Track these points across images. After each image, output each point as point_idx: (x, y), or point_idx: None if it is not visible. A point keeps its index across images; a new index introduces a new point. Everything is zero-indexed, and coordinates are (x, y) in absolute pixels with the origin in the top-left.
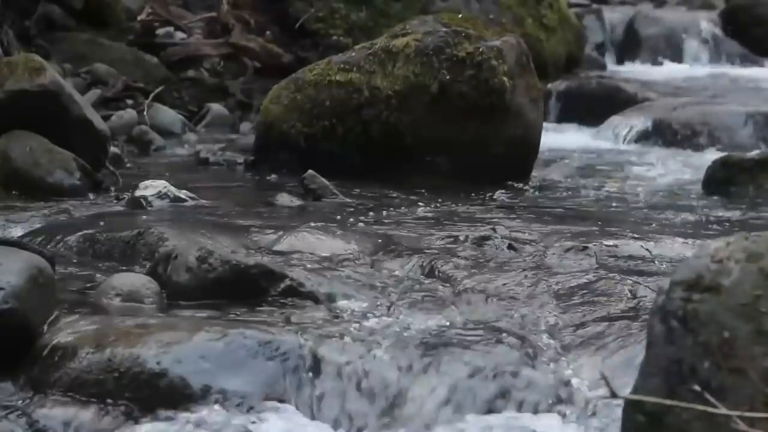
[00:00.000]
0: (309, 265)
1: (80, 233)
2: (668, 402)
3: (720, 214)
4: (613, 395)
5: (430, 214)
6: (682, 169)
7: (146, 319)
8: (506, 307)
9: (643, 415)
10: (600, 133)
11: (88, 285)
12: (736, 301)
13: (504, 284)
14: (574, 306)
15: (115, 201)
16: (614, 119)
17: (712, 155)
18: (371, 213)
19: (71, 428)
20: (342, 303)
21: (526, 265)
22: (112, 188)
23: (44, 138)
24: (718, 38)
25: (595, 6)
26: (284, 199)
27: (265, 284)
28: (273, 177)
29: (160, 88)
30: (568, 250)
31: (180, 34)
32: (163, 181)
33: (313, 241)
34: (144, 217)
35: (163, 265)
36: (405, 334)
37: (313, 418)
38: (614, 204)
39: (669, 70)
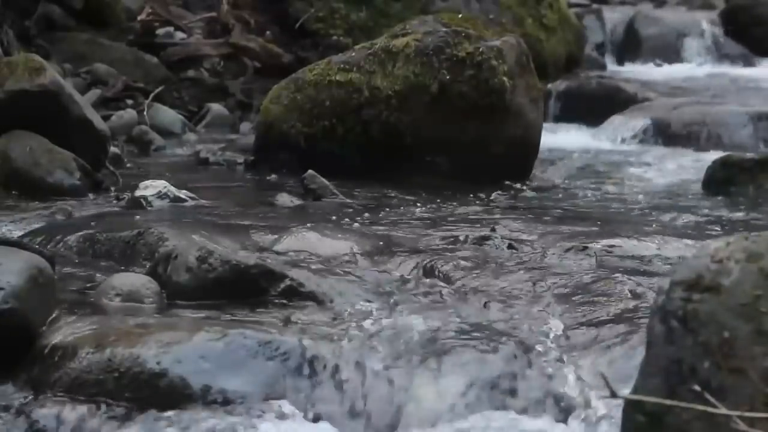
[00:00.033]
0: (309, 265)
1: (80, 233)
2: (668, 402)
3: (720, 214)
4: (613, 395)
5: (430, 214)
6: (682, 169)
7: (146, 319)
8: (506, 307)
9: (643, 415)
10: (600, 133)
11: (88, 285)
12: (736, 301)
13: (504, 284)
14: (574, 306)
15: (115, 201)
16: (614, 119)
17: (712, 155)
18: (371, 213)
19: (71, 428)
20: (342, 303)
21: (526, 265)
22: (112, 188)
23: (44, 138)
24: (718, 38)
25: (595, 6)
26: (284, 199)
27: (265, 284)
28: (273, 177)
29: (160, 88)
30: (568, 250)
31: (180, 34)
32: (163, 181)
33: (313, 241)
34: (144, 217)
35: (163, 265)
36: (405, 335)
37: (312, 418)
38: (614, 204)
39: (669, 70)
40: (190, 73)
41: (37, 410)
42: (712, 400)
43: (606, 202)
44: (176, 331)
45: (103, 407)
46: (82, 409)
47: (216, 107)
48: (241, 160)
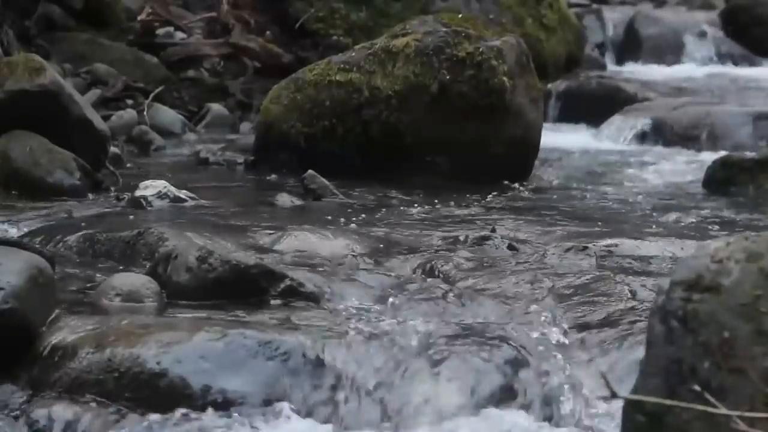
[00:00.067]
0: (309, 265)
1: (80, 233)
2: (668, 402)
3: (720, 214)
4: (613, 395)
5: (430, 214)
6: (682, 169)
7: (146, 319)
8: (506, 307)
9: (643, 415)
10: (600, 133)
11: (88, 285)
12: (736, 301)
13: (504, 284)
14: (574, 306)
15: (115, 201)
16: (614, 119)
17: (712, 155)
18: (371, 213)
19: (71, 428)
20: (342, 303)
21: (526, 265)
22: (112, 188)
23: (44, 138)
24: (718, 38)
25: (595, 6)
26: (284, 199)
27: (265, 284)
28: (273, 177)
29: (160, 88)
30: (568, 250)
31: (180, 34)
32: (163, 181)
33: (313, 241)
34: (144, 217)
35: (163, 265)
36: (405, 335)
37: (312, 418)
38: (614, 204)
39: (669, 70)
40: (190, 73)
41: (37, 410)
42: (712, 400)
43: (606, 202)
44: (176, 331)
45: (103, 407)
46: (83, 409)
47: (216, 107)
48: (241, 160)
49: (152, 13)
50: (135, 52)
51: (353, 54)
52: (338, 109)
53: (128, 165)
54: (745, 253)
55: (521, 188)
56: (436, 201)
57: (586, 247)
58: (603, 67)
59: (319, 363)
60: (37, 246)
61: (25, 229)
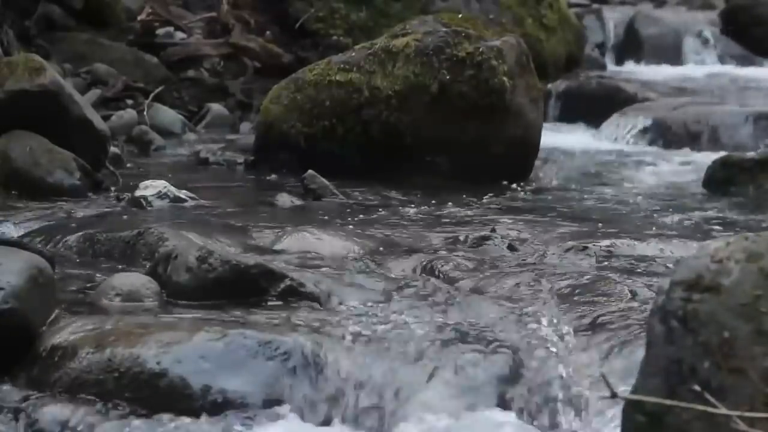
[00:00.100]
0: (309, 265)
1: (80, 233)
2: (668, 402)
3: (720, 214)
4: (613, 395)
5: (429, 214)
6: (682, 169)
7: (146, 319)
8: (506, 307)
9: (643, 415)
10: (600, 133)
11: (88, 285)
12: (736, 301)
13: (504, 284)
14: (574, 306)
15: (115, 201)
16: (614, 119)
17: (712, 155)
18: (371, 213)
19: (71, 428)
20: (342, 303)
21: (526, 265)
22: (112, 188)
23: (44, 138)
24: (718, 38)
25: (595, 6)
26: (284, 199)
27: (265, 284)
28: (273, 177)
29: (160, 88)
30: (568, 250)
31: (180, 34)
32: (163, 181)
33: (313, 241)
34: (144, 217)
35: (163, 265)
36: (405, 335)
37: (312, 418)
38: (614, 204)
39: (669, 70)
40: (190, 73)
41: (37, 410)
42: (712, 400)
43: (606, 202)
44: (176, 331)
45: (103, 407)
46: (82, 409)
47: (216, 107)
48: (241, 160)
49: (152, 13)
50: (135, 52)
51: (353, 54)
52: (338, 109)
53: (128, 165)
54: (745, 253)
55: (521, 188)
56: (436, 201)
57: (586, 247)
58: (603, 67)
59: (318, 363)
60: (37, 246)
61: (25, 229)
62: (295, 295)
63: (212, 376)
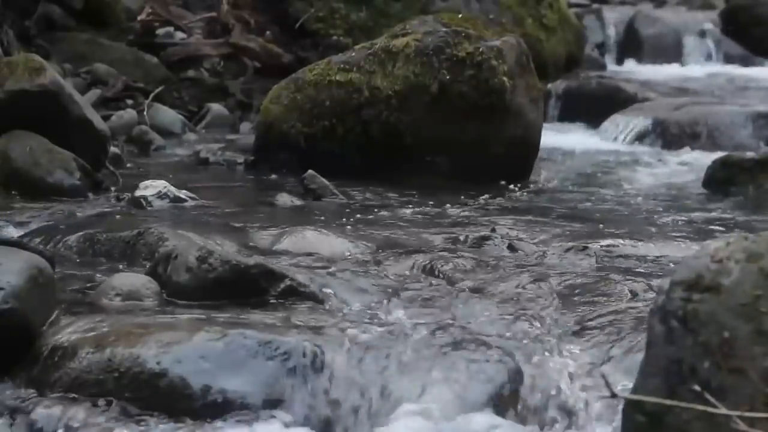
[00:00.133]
0: (309, 265)
1: (80, 233)
2: (668, 402)
3: (720, 214)
4: (613, 395)
5: (429, 214)
6: (682, 169)
7: (146, 319)
8: (506, 308)
9: (643, 415)
10: (600, 133)
11: (88, 285)
12: (736, 301)
13: (504, 284)
14: (574, 306)
15: (115, 201)
16: (614, 119)
17: (711, 155)
18: (371, 213)
19: (71, 428)
20: (342, 303)
21: (526, 265)
22: (112, 188)
23: (44, 138)
24: (718, 38)
25: (595, 6)
26: (284, 199)
27: (265, 284)
28: (273, 177)
29: (160, 88)
30: (568, 250)
31: (180, 34)
32: (163, 181)
33: (313, 241)
34: (144, 217)
35: (163, 265)
36: (405, 335)
37: (312, 418)
38: (614, 204)
39: (669, 70)
40: (190, 73)
41: (37, 410)
42: (712, 400)
43: (606, 202)
44: (176, 331)
45: (104, 407)
46: (82, 409)
47: (216, 107)
48: (241, 160)
49: (152, 13)
50: (135, 52)
51: (353, 54)
52: (338, 109)
53: (128, 165)
54: (745, 253)
55: (521, 188)
56: (436, 201)
57: (586, 247)
58: (603, 67)
59: (318, 363)
60: (37, 246)
61: (25, 229)
62: (295, 295)
63: (212, 376)
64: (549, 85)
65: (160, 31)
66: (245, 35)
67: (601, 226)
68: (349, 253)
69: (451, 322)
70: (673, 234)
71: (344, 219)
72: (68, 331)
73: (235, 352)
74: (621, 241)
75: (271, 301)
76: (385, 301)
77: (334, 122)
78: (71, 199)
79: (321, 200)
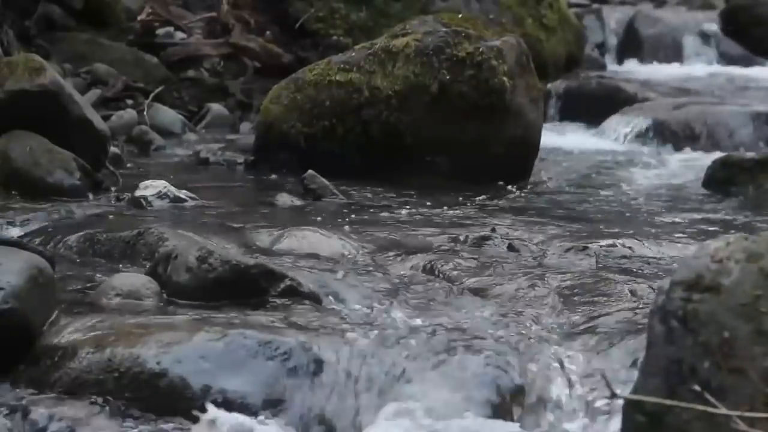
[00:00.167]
0: (309, 265)
1: (80, 233)
2: (668, 402)
3: (720, 214)
4: (613, 395)
5: (429, 214)
6: (682, 169)
7: (146, 319)
8: (506, 308)
9: (643, 415)
10: (600, 133)
11: (88, 285)
12: (736, 301)
13: (504, 284)
14: (574, 306)
15: (115, 201)
16: (614, 119)
17: (711, 155)
18: (371, 213)
19: (71, 428)
20: (342, 303)
21: (526, 265)
22: (112, 188)
23: (44, 138)
24: (718, 38)
25: (595, 6)
26: (284, 199)
27: (265, 284)
28: (273, 177)
29: (160, 88)
30: (568, 250)
31: (180, 34)
32: (163, 181)
33: (313, 241)
34: (144, 217)
35: (163, 265)
36: (404, 335)
37: (311, 418)
38: (614, 204)
39: (669, 70)
40: (190, 73)
41: (37, 410)
42: (712, 400)
43: (606, 202)
44: (176, 331)
45: (103, 407)
46: (82, 409)
47: (216, 107)
48: (241, 160)
49: (152, 13)
50: (135, 52)
51: (353, 54)
52: (338, 109)
53: (128, 165)
54: (745, 253)
55: (521, 188)
56: (435, 201)
57: (586, 247)
58: (603, 67)
59: (318, 363)
60: (37, 246)
61: (25, 229)
62: (295, 295)
63: (212, 376)
64: (549, 85)
65: (160, 31)
66: (245, 35)
67: (601, 226)
68: (349, 253)
69: (450, 322)
70: (673, 234)
71: (344, 219)
72: (68, 331)
73: (235, 352)
74: (621, 241)
75: (271, 301)
76: (385, 301)
77: (334, 122)
78: (71, 199)
79: (321, 200)
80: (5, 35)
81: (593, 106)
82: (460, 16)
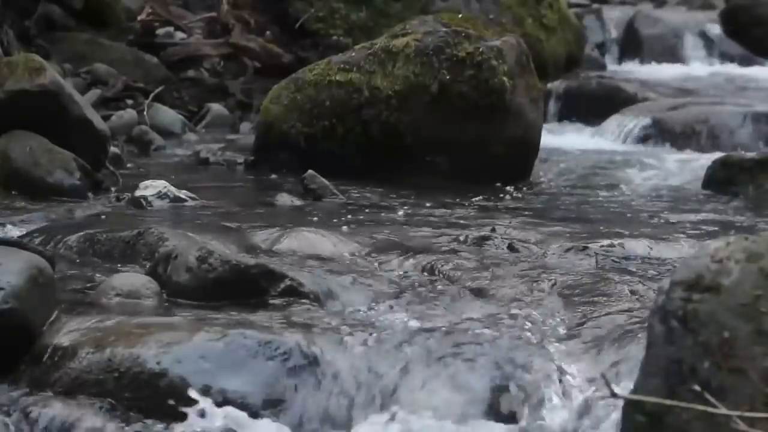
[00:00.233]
0: (309, 265)
1: (80, 233)
2: (668, 402)
3: (720, 214)
4: (613, 395)
5: (429, 215)
6: (682, 169)
7: (146, 319)
8: (506, 308)
9: (643, 415)
10: (600, 133)
11: (88, 285)
12: (736, 301)
13: (504, 284)
14: (574, 306)
15: (115, 201)
16: (614, 119)
17: (711, 155)
18: (371, 213)
19: (71, 428)
20: (342, 303)
21: (526, 265)
22: (112, 188)
23: (44, 138)
24: (718, 38)
25: (595, 6)
26: (284, 199)
27: (265, 284)
28: (273, 177)
29: (160, 88)
30: (568, 250)
31: (180, 34)
32: (163, 181)
33: (313, 241)
34: (144, 217)
35: (163, 265)
36: (404, 335)
37: (311, 418)
38: (614, 204)
39: (669, 70)
40: (190, 73)
41: (37, 410)
42: (712, 400)
43: (606, 202)
44: (176, 331)
45: (103, 407)
46: (82, 409)
47: (216, 107)
48: (241, 160)
49: (152, 13)
50: (135, 52)
51: (353, 54)
52: (338, 109)
53: (128, 165)
54: (745, 253)
55: (521, 188)
56: (435, 201)
57: (586, 247)
58: (603, 67)
59: (318, 363)
60: (37, 246)
61: (25, 229)
62: (295, 295)
63: (212, 376)
64: (549, 85)
65: (160, 31)
66: (245, 35)
67: (601, 226)
68: (349, 253)
69: (450, 322)
70: (673, 234)
71: (344, 219)
72: (68, 331)
73: (235, 352)
74: (621, 241)
75: (271, 301)
76: (385, 302)
77: (334, 122)
78: (71, 199)
79: (321, 200)
80: (5, 35)
81: (593, 106)
82: (460, 16)
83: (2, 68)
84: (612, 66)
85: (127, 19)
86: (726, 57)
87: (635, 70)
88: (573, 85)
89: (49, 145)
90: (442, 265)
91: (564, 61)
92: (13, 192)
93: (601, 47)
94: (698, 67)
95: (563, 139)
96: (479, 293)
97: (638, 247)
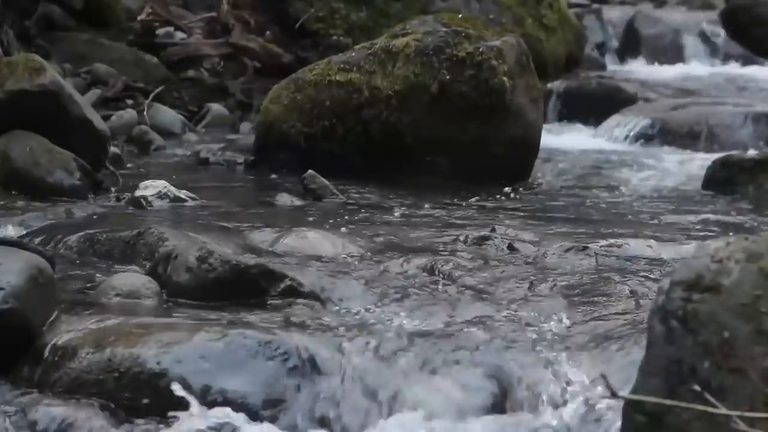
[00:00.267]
0: (309, 265)
1: (80, 233)
2: (668, 402)
3: (720, 214)
4: (613, 395)
5: (430, 214)
6: (682, 169)
7: (146, 319)
8: (506, 308)
9: (643, 415)
10: (600, 133)
11: (88, 285)
12: (736, 301)
13: (504, 284)
14: (574, 306)
15: (115, 201)
16: (614, 119)
17: (711, 155)
18: (371, 213)
19: (71, 428)
20: (342, 303)
21: (526, 265)
22: (112, 188)
23: (44, 138)
24: (718, 38)
25: (595, 6)
26: (284, 199)
27: (265, 284)
28: (273, 177)
29: (160, 88)
30: (568, 250)
31: (180, 34)
32: (163, 181)
33: (313, 241)
34: (144, 217)
35: (163, 265)
36: (405, 335)
37: (311, 418)
38: (614, 204)
39: (669, 70)
40: (190, 73)
41: (37, 410)
42: (712, 400)
43: (606, 202)
44: (176, 331)
45: (103, 407)
46: (82, 409)
47: (216, 107)
48: (241, 160)
49: (152, 13)
50: (135, 52)
51: (353, 54)
52: (338, 109)
53: (128, 165)
54: (745, 253)
55: (521, 188)
56: (435, 201)
57: (586, 247)
58: (603, 67)
59: (318, 363)
60: (37, 246)
61: (25, 229)
62: (295, 295)
63: (212, 376)
64: (549, 85)
65: (160, 31)
66: (245, 35)
67: (601, 226)
68: (349, 253)
69: (450, 322)
70: (673, 234)
71: (344, 219)
72: (68, 331)
73: (235, 352)
74: (621, 240)
75: (271, 301)
76: (385, 302)
77: (334, 122)
78: (71, 199)
79: (321, 200)
80: (5, 35)
81: (593, 106)
82: (460, 16)
83: (2, 68)
84: (612, 66)
85: (127, 19)
86: (726, 57)
87: (635, 70)
88: (573, 85)
89: (49, 145)
90: (442, 265)
91: (564, 61)
92: (13, 192)
93: (601, 47)
94: (698, 67)
95: (563, 139)
96: (479, 293)
97: (638, 247)
